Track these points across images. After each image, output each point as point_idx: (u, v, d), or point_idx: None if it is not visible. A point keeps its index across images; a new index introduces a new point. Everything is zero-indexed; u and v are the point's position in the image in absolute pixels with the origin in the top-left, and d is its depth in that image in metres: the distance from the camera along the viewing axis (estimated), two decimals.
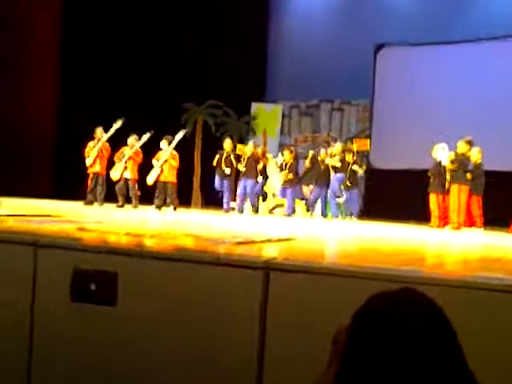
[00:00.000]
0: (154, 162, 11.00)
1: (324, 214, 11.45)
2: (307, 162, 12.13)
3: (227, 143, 11.78)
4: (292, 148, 12.39)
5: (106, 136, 11.01)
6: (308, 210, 12.01)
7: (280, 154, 12.56)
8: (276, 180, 12.21)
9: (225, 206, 11.53)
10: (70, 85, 14.00)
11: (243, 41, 14.63)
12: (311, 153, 12.27)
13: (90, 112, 13.15)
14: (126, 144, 11.07)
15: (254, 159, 11.68)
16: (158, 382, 2.55)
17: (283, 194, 11.80)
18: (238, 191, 11.84)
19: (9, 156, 12.73)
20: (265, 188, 12.51)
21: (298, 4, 15.77)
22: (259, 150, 12.20)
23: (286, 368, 2.33)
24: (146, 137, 10.89)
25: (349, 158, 11.01)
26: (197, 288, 2.49)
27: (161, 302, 2.55)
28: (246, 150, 11.81)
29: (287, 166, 11.62)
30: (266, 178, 12.20)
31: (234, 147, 12.10)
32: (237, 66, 14.42)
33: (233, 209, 11.76)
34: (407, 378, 1.06)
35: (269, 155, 13.05)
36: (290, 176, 11.52)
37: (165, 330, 2.53)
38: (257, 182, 11.77)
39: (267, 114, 15.64)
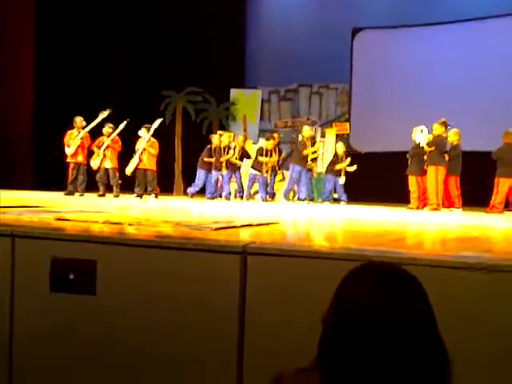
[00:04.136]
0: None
1: (309, 198, 11.51)
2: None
3: (215, 138, 12.09)
4: (273, 135, 12.41)
5: (90, 126, 10.92)
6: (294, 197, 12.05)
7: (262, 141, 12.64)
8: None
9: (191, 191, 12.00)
10: (47, 75, 13.81)
11: (221, 27, 14.54)
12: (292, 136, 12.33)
13: (67, 101, 13.02)
14: (102, 133, 11.01)
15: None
16: (142, 369, 2.56)
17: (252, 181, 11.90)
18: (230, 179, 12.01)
19: None
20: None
21: None
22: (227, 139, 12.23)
23: (267, 354, 2.34)
24: (122, 125, 10.81)
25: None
26: (176, 274, 2.50)
27: (140, 290, 2.56)
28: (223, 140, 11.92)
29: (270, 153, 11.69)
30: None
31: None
32: (215, 52, 14.35)
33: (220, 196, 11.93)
34: (388, 354, 1.08)
35: (249, 141, 13.04)
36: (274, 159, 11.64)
37: (145, 318, 2.54)
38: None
39: (247, 100, 15.60)
